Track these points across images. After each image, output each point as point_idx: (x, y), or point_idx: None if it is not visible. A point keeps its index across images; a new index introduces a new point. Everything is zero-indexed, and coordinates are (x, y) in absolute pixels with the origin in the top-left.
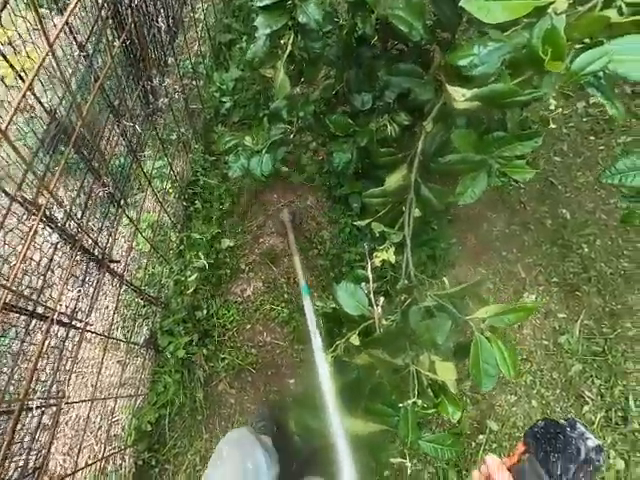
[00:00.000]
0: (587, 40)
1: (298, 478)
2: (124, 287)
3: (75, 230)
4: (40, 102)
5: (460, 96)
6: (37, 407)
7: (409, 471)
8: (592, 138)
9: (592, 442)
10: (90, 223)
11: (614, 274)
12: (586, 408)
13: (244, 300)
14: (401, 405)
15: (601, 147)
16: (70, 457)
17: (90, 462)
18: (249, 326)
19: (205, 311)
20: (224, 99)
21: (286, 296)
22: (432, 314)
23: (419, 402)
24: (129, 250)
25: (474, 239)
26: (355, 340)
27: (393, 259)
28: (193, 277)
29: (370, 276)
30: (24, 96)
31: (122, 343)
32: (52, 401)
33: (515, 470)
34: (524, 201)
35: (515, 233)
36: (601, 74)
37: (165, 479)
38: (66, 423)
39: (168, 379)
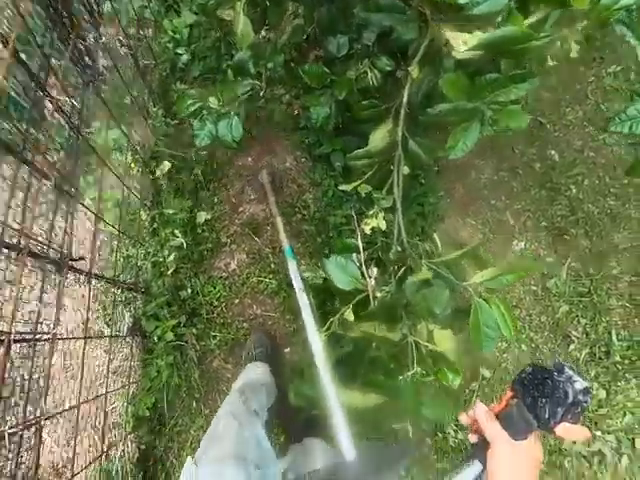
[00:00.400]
0: None
1: (298, 440)
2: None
3: (18, 236)
4: None
5: (461, 44)
6: (12, 434)
7: (410, 434)
8: (582, 69)
9: (580, 384)
10: (39, 223)
11: (601, 214)
12: (572, 347)
13: (229, 275)
14: (401, 377)
15: (591, 79)
16: (70, 447)
17: (91, 452)
18: (237, 301)
19: (189, 290)
20: (179, 50)
21: (273, 266)
22: (428, 283)
23: (418, 370)
24: (94, 238)
25: (462, 189)
26: (349, 315)
27: (384, 225)
28: (172, 257)
29: (360, 246)
30: None
31: (106, 332)
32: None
33: (503, 416)
34: (513, 144)
35: (503, 179)
36: (634, 7)
37: (171, 456)
38: (60, 415)
39: (160, 363)
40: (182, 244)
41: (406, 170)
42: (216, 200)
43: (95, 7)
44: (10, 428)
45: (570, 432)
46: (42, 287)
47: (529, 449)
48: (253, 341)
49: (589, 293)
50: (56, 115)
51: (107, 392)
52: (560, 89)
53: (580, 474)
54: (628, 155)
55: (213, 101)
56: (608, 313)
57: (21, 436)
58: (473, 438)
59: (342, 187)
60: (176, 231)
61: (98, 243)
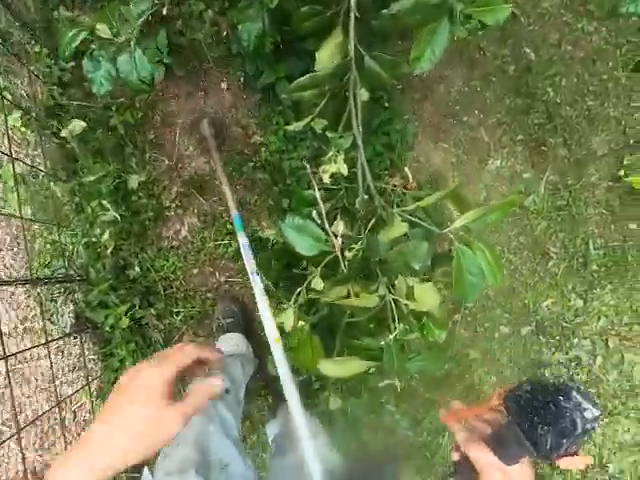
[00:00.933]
0: None
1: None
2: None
3: None
4: None
5: None
6: None
7: (399, 389)
8: None
9: (590, 413)
10: None
11: (579, 117)
12: (551, 263)
13: (182, 243)
14: (383, 342)
15: None
16: (43, 451)
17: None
18: (196, 270)
19: (138, 268)
20: None
21: (230, 227)
22: (403, 237)
23: (400, 327)
24: None
25: (430, 107)
26: (317, 283)
27: (345, 170)
28: (106, 235)
29: (319, 198)
30: None
31: (53, 329)
32: None
33: (493, 437)
34: (483, 46)
35: (475, 90)
36: None
37: None
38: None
39: (122, 352)
40: (115, 217)
41: (365, 95)
42: (148, 158)
43: None
44: None
45: (572, 463)
46: None
47: (522, 474)
48: (220, 312)
49: (567, 205)
50: None
51: (58, 401)
52: None
53: (558, 378)
54: (608, 47)
55: (103, 29)
56: (585, 223)
57: None
58: (455, 456)
59: (291, 127)
60: (104, 202)
61: (14, 231)
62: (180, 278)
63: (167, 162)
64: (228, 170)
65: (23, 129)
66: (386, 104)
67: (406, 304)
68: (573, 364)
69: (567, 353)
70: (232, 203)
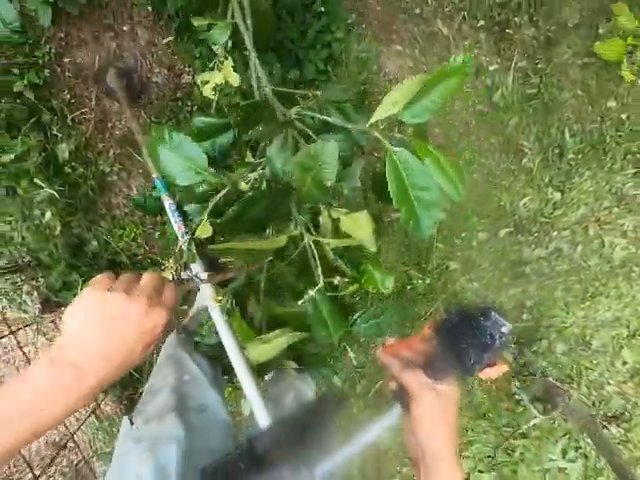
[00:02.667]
0: None
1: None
2: None
3: None
4: None
5: None
6: None
7: (354, 362)
8: None
9: (506, 328)
10: None
11: None
12: (525, 159)
13: (134, 208)
14: (302, 300)
15: None
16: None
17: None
18: (158, 233)
19: (95, 242)
20: None
21: None
22: (306, 144)
23: (332, 281)
24: None
25: (377, 5)
26: (205, 230)
27: (237, 79)
28: (48, 214)
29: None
30: None
31: (27, 317)
32: None
33: (423, 362)
34: None
35: None
36: None
37: None
38: None
39: None
40: (52, 194)
41: None
42: (71, 122)
43: None
44: None
45: (491, 373)
46: None
47: (452, 392)
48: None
49: (539, 93)
50: None
51: None
52: None
53: (540, 273)
54: None
55: None
56: (560, 110)
57: None
58: (392, 385)
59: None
60: (36, 180)
61: None
62: (143, 244)
63: (94, 123)
64: (163, 121)
65: None
66: (321, 8)
67: (328, 243)
68: (554, 256)
69: (547, 247)
70: (152, 165)
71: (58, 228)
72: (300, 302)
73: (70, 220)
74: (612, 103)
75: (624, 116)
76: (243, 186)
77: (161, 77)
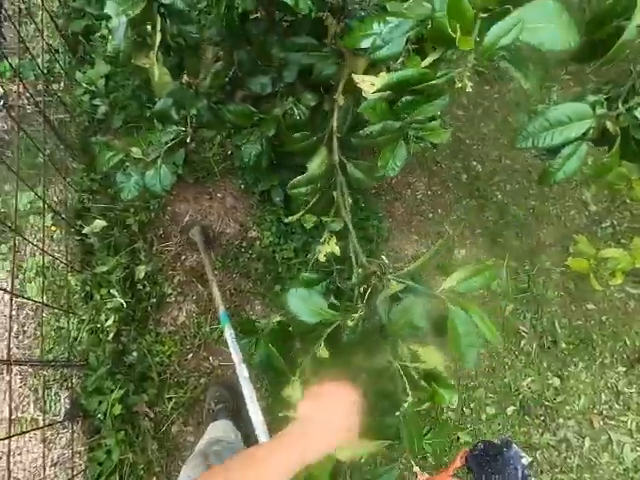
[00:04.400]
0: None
1: None
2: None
3: None
4: None
5: (369, 86)
6: None
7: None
8: (487, 88)
9: (526, 460)
10: None
11: (526, 214)
12: (523, 342)
13: (179, 328)
14: (397, 412)
15: (496, 95)
16: None
17: None
18: (191, 355)
19: (135, 354)
20: (96, 102)
21: None
22: (398, 298)
23: (414, 399)
24: (10, 319)
25: (401, 208)
26: (323, 351)
27: (338, 250)
28: (110, 320)
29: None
30: None
31: (40, 419)
32: None
33: None
34: (439, 160)
35: (437, 193)
36: (512, 47)
37: None
38: None
39: (109, 442)
40: (121, 304)
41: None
42: (154, 251)
43: None
44: None
45: None
46: None
47: None
48: (211, 397)
49: (528, 288)
50: None
51: None
52: (471, 106)
53: (552, 463)
54: (538, 161)
55: (136, 151)
56: (549, 304)
57: None
58: None
59: (288, 220)
60: (113, 291)
61: (22, 319)
62: (175, 363)
63: (171, 254)
64: (226, 261)
65: (53, 228)
66: (362, 205)
67: (415, 367)
68: (564, 446)
69: (555, 434)
70: (219, 300)
71: (112, 334)
72: (397, 413)
73: (123, 329)
74: (591, 306)
75: (604, 318)
76: (348, 323)
77: (233, 230)
